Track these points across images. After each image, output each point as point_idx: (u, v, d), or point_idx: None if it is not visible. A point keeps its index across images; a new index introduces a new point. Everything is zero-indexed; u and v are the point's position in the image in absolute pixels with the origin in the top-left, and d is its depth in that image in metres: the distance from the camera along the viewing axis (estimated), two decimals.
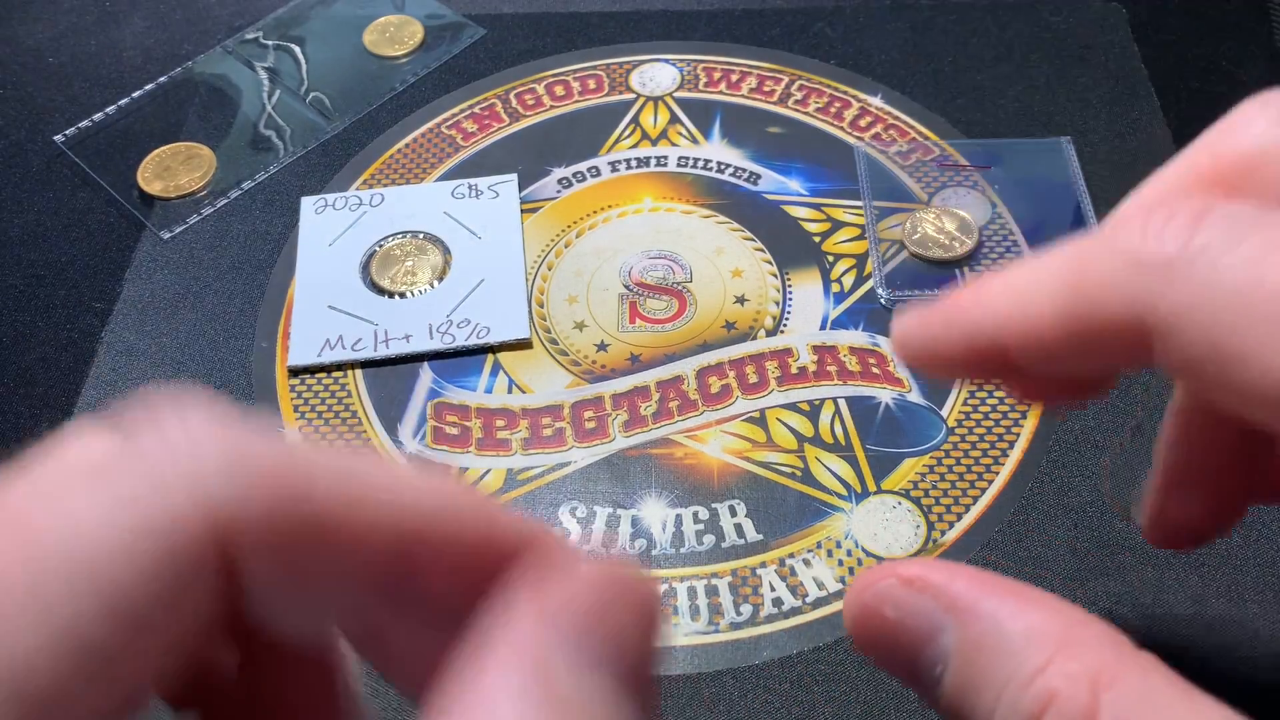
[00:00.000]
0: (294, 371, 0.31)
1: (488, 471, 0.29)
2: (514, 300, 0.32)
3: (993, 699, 0.15)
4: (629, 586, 0.13)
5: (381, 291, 0.32)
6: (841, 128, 0.37)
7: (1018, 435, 0.29)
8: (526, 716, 0.11)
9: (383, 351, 0.31)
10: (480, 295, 0.32)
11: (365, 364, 0.31)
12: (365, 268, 0.33)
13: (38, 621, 0.11)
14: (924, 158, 0.36)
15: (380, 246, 0.34)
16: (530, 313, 0.32)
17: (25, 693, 0.11)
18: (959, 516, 0.28)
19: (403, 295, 0.32)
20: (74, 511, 0.12)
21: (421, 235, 0.34)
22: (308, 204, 0.35)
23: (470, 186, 0.35)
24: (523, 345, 0.31)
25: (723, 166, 0.36)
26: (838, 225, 0.34)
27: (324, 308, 0.32)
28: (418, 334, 0.31)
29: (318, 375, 0.31)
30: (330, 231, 0.34)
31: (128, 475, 0.12)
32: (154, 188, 0.36)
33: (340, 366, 0.31)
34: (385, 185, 0.36)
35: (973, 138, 0.36)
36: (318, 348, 0.31)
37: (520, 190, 0.36)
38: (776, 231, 0.34)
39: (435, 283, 0.33)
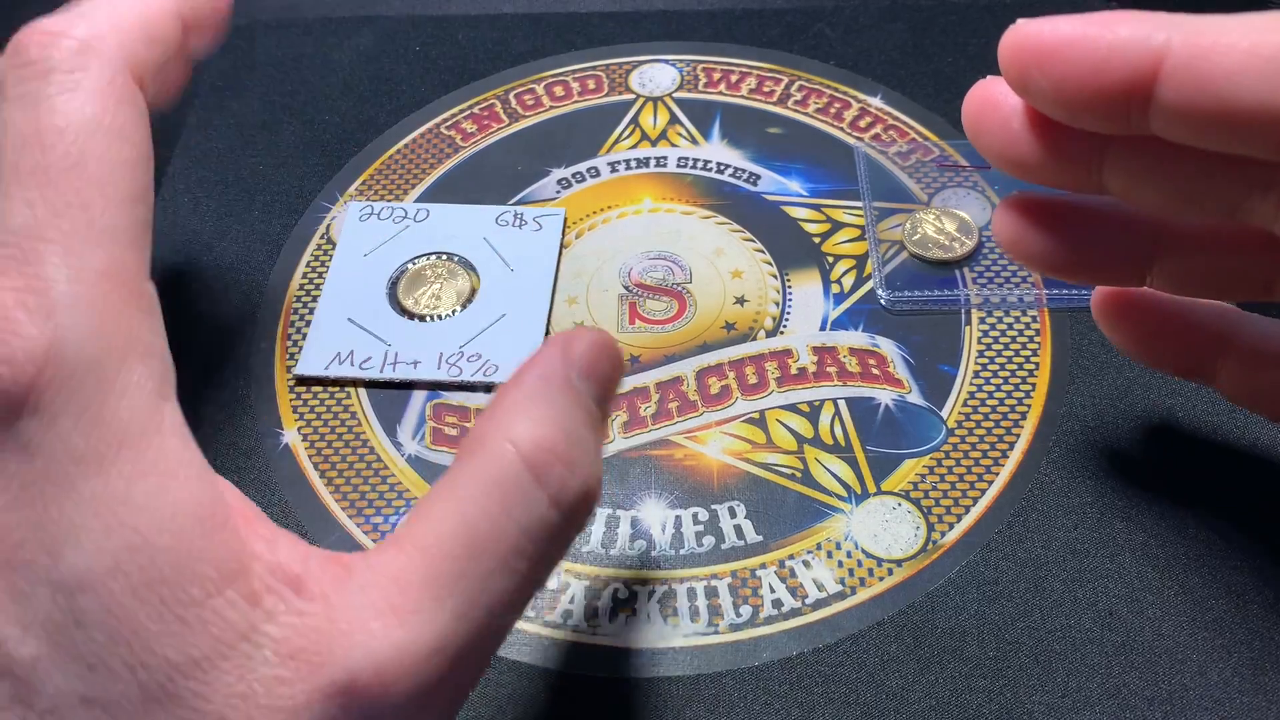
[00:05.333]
0: (300, 380, 0.31)
1: None
2: (529, 341, 0.31)
3: None
4: (610, 347, 0.22)
5: (403, 312, 0.32)
6: (841, 128, 0.37)
7: (1018, 436, 0.29)
8: (547, 388, 0.20)
9: (388, 374, 0.31)
10: (497, 330, 0.32)
11: (368, 384, 0.31)
12: (393, 285, 0.33)
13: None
14: (924, 158, 0.35)
15: (413, 264, 0.33)
16: None
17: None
18: (959, 518, 0.28)
19: (423, 319, 0.32)
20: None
21: (456, 258, 0.33)
22: (353, 210, 0.35)
23: (516, 215, 0.35)
24: None
25: (722, 167, 0.36)
26: (838, 226, 0.34)
27: (343, 320, 0.32)
28: (426, 361, 0.31)
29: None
30: (369, 242, 0.34)
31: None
32: None
33: (343, 383, 0.31)
34: (386, 187, 0.36)
35: None
36: (326, 360, 0.31)
37: (520, 191, 0.36)
38: (776, 232, 0.34)
39: (458, 309, 0.32)
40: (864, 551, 0.27)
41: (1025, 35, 0.20)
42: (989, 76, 0.22)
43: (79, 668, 0.16)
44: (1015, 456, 0.29)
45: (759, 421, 0.30)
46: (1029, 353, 0.31)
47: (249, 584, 0.17)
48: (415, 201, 0.35)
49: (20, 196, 0.18)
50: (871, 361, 0.31)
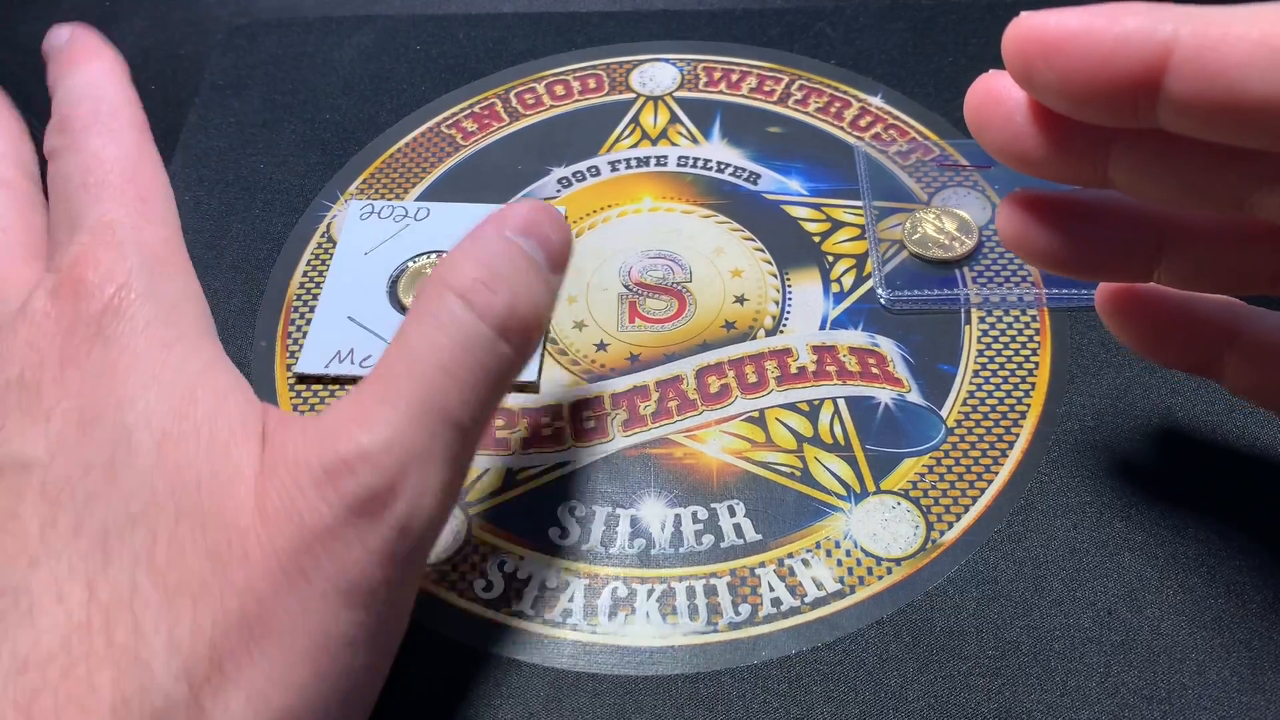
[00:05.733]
0: (300, 379, 0.31)
1: (486, 471, 0.29)
2: None
3: None
4: (548, 209, 0.25)
5: (403, 310, 0.32)
6: (841, 127, 0.37)
7: (1017, 435, 0.29)
8: (476, 238, 0.24)
9: None
10: None
11: None
12: (393, 283, 0.33)
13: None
14: (924, 158, 0.36)
15: (413, 263, 0.33)
16: (541, 355, 0.31)
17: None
18: (958, 517, 0.28)
19: None
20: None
21: None
22: (354, 208, 0.35)
23: None
24: (527, 388, 0.31)
25: (723, 166, 0.36)
26: (838, 225, 0.34)
27: (343, 318, 0.32)
28: None
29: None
30: (369, 240, 0.34)
31: None
32: None
33: (343, 381, 0.31)
34: (387, 185, 0.36)
35: (973, 138, 0.36)
36: (327, 359, 0.31)
37: (520, 189, 0.36)
38: (776, 231, 0.34)
39: None
40: (863, 550, 0.27)
41: (1030, 28, 0.20)
42: (992, 70, 0.22)
43: (126, 495, 0.21)
44: (1015, 456, 0.29)
45: (758, 420, 0.30)
46: (1029, 352, 0.31)
47: (259, 429, 0.22)
48: (416, 200, 0.35)
49: (93, 197, 0.25)
50: (871, 361, 0.31)
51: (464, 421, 0.22)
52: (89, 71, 0.29)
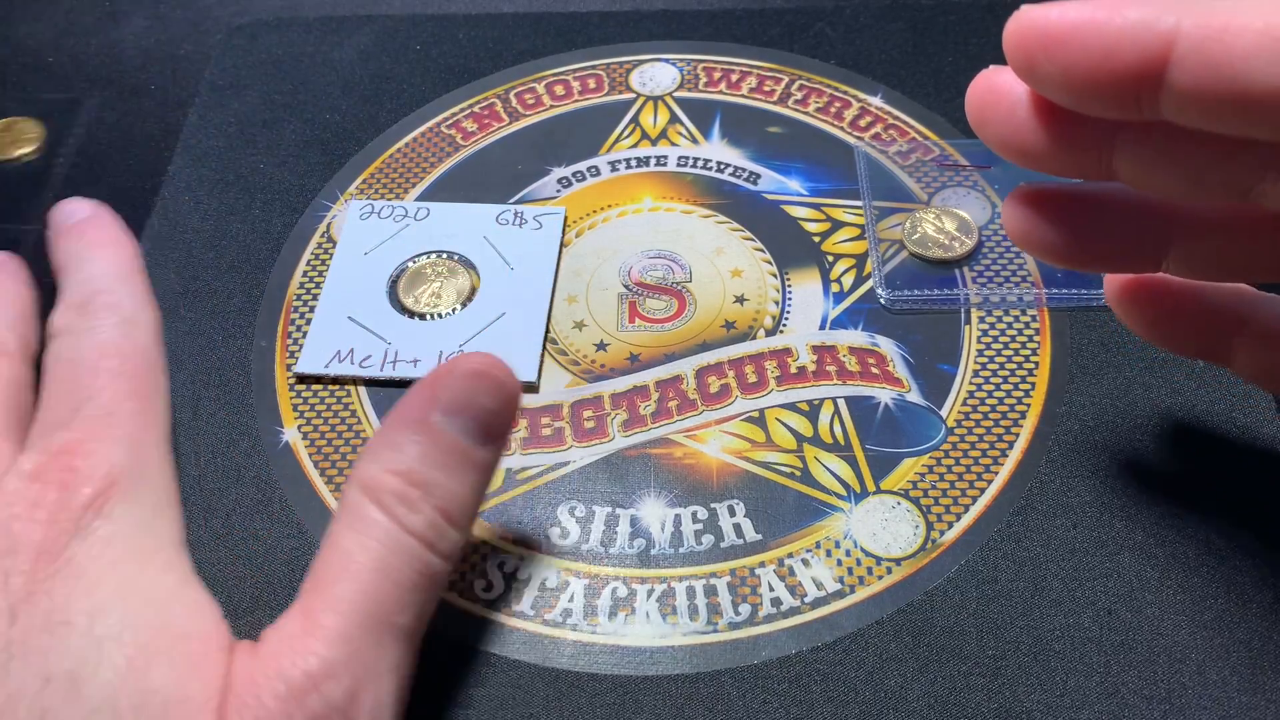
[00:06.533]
0: (300, 378, 0.31)
1: None
2: (529, 340, 0.31)
3: None
4: (487, 377, 0.24)
5: (403, 310, 0.32)
6: (841, 127, 0.37)
7: (1017, 435, 0.29)
8: (411, 433, 0.23)
9: (388, 372, 0.31)
10: (497, 329, 0.32)
11: (368, 382, 0.31)
12: (393, 283, 0.33)
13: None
14: (924, 158, 0.35)
15: (413, 263, 0.33)
16: (541, 356, 0.31)
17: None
18: (958, 517, 0.28)
19: (423, 317, 0.32)
20: None
21: (456, 257, 0.33)
22: (354, 208, 0.35)
23: (516, 214, 0.35)
24: (527, 388, 0.31)
25: (723, 166, 0.36)
26: (837, 225, 0.34)
27: (343, 318, 0.32)
28: (426, 359, 0.31)
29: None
30: (369, 240, 0.34)
31: None
32: None
33: (343, 381, 0.31)
34: (387, 185, 0.36)
35: (973, 138, 0.36)
36: (326, 359, 0.31)
37: (520, 189, 0.36)
38: (776, 231, 0.34)
39: (458, 308, 0.32)
40: (863, 550, 0.27)
41: (1031, 21, 0.19)
42: (992, 65, 0.21)
43: (86, 713, 0.20)
44: (1014, 456, 0.29)
45: (758, 420, 0.30)
46: (1028, 352, 0.31)
47: (228, 652, 0.22)
48: (416, 200, 0.35)
49: (102, 384, 0.25)
50: (871, 360, 0.31)
51: (407, 627, 0.22)
52: (114, 260, 0.28)
